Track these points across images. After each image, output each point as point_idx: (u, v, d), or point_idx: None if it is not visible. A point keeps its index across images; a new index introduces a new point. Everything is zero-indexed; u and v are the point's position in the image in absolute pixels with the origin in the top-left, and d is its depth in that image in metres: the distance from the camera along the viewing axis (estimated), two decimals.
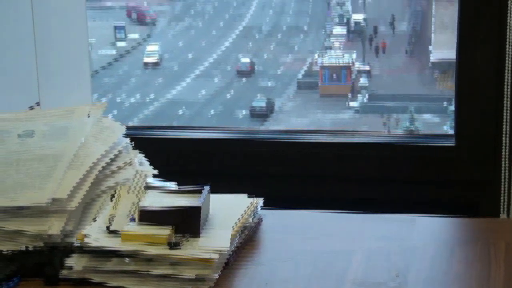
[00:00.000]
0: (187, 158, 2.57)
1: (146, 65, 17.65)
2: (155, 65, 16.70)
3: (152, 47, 17.94)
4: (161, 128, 2.75)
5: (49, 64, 2.56)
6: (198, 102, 17.36)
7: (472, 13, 2.39)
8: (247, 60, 19.12)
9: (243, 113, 16.78)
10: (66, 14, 2.75)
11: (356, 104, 15.99)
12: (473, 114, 2.44)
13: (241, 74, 19.41)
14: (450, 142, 2.49)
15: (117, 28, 17.34)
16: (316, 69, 17.25)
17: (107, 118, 1.70)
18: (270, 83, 17.54)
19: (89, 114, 1.70)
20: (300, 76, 17.95)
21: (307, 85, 18.06)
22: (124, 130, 1.70)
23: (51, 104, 2.53)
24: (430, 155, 2.47)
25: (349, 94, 16.65)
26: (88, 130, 1.65)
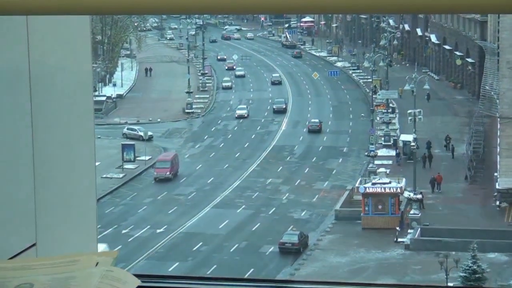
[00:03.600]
0: None
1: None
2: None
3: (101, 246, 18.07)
4: (179, 277, 2.69)
5: (49, 199, 2.52)
6: (218, 236, 17.68)
7: None
8: (317, 120, 21.67)
9: (271, 248, 17.09)
10: (71, 141, 2.73)
11: (406, 239, 16.15)
12: None
13: (312, 131, 21.85)
14: None
15: (125, 148, 17.96)
16: (358, 197, 17.60)
17: (119, 269, 1.65)
18: (303, 214, 17.94)
19: (96, 264, 1.65)
20: (338, 205, 18.28)
21: (347, 216, 18.45)
22: (138, 282, 1.65)
23: (50, 244, 2.47)
24: None
25: (398, 228, 16.85)
26: (96, 283, 1.59)
